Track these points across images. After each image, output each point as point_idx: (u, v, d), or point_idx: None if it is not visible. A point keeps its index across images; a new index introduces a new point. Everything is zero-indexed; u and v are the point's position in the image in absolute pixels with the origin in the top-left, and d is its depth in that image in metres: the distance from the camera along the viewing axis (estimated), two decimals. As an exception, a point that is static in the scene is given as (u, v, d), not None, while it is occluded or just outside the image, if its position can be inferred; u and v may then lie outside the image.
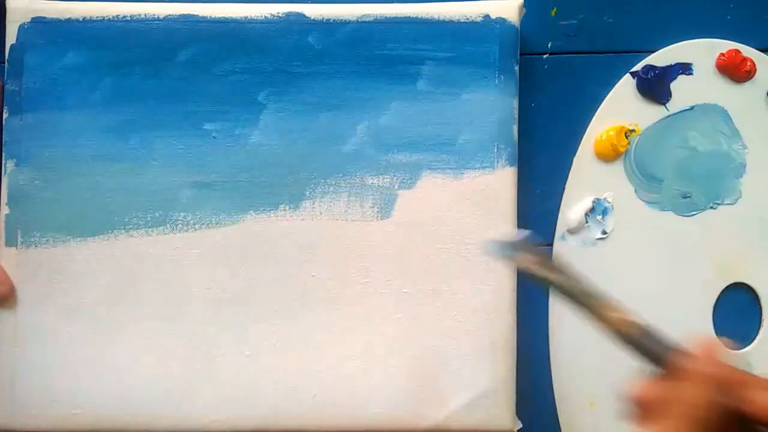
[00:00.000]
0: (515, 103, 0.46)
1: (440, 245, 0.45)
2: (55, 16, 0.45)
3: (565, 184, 0.48)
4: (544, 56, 0.48)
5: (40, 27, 0.45)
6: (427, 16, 0.46)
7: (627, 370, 0.47)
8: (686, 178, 0.47)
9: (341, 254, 0.45)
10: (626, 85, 0.48)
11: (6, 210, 0.45)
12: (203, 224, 0.45)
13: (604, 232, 0.47)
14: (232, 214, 0.45)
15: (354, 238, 0.45)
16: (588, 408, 0.47)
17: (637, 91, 0.48)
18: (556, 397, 0.47)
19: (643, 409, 0.32)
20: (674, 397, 0.31)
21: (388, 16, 0.46)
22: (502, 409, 0.45)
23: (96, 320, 0.45)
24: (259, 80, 0.46)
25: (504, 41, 0.46)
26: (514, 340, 0.45)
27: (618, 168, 0.48)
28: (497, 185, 0.45)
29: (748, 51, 0.48)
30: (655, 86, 0.47)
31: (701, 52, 0.48)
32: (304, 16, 0.46)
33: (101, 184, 0.45)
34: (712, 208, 0.47)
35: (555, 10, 0.48)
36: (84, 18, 0.46)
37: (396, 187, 0.46)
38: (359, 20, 0.46)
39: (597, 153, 0.47)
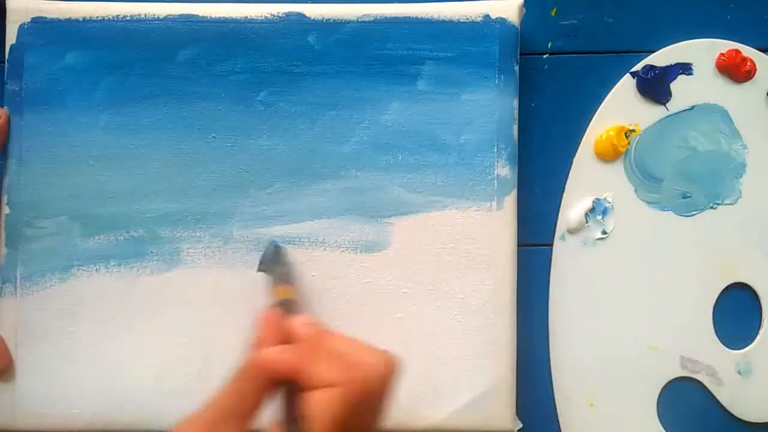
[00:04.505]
0: (515, 103, 0.46)
1: (440, 245, 0.45)
2: (55, 16, 0.45)
3: (565, 184, 0.48)
4: (544, 56, 0.48)
5: (40, 27, 0.45)
6: (427, 16, 0.46)
7: (627, 370, 0.47)
8: (686, 178, 0.47)
9: (341, 254, 0.45)
10: (626, 85, 0.48)
11: (6, 210, 0.45)
12: (203, 223, 0.45)
13: (604, 232, 0.47)
14: (233, 214, 0.45)
15: (354, 237, 0.45)
16: (588, 408, 0.47)
17: (637, 91, 0.48)
18: (556, 397, 0.47)
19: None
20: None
21: (388, 16, 0.46)
22: (502, 409, 0.45)
23: (96, 320, 0.45)
24: (259, 80, 0.46)
25: (504, 41, 0.46)
26: (514, 340, 0.45)
27: (618, 168, 0.48)
28: (497, 185, 0.45)
29: (748, 51, 0.48)
30: (655, 86, 0.47)
31: (701, 52, 0.48)
32: (304, 16, 0.46)
33: (102, 183, 0.45)
34: (712, 208, 0.48)
35: (555, 10, 0.48)
36: (84, 18, 0.46)
37: (396, 187, 0.46)
38: (359, 20, 0.46)
39: (597, 153, 0.48)
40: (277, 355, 0.34)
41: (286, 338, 0.35)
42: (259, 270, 0.43)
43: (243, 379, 0.34)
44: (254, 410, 0.33)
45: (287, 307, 0.37)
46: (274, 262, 0.42)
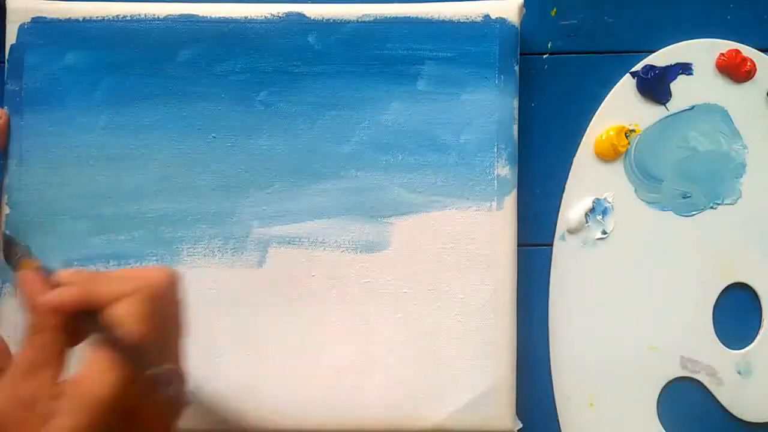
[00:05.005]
0: (515, 103, 0.46)
1: (440, 245, 0.45)
2: (55, 16, 0.45)
3: (565, 184, 0.48)
4: (544, 56, 0.48)
5: (40, 27, 0.45)
6: (427, 16, 0.46)
7: (627, 370, 0.47)
8: (686, 178, 0.47)
9: (341, 254, 0.45)
10: (626, 85, 0.48)
11: (6, 210, 0.45)
12: (203, 223, 0.45)
13: (604, 232, 0.47)
14: (233, 214, 0.45)
15: (354, 237, 0.45)
16: (588, 408, 0.47)
17: (637, 91, 0.48)
18: (556, 397, 0.47)
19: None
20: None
21: (388, 16, 0.46)
22: (502, 409, 0.45)
23: (96, 320, 0.45)
24: (259, 80, 0.46)
25: (504, 41, 0.46)
26: (514, 340, 0.45)
27: (618, 168, 0.48)
28: (497, 185, 0.45)
29: (748, 51, 0.48)
30: (655, 86, 0.47)
31: (701, 52, 0.48)
32: (304, 16, 0.46)
33: (101, 183, 0.45)
34: (712, 208, 0.48)
35: (555, 10, 0.48)
36: (84, 18, 0.46)
37: (396, 187, 0.46)
38: (359, 20, 0.46)
39: (597, 153, 0.48)
40: (61, 293, 0.34)
41: (52, 288, 0.35)
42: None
43: (34, 332, 0.34)
44: (59, 357, 0.34)
45: (45, 270, 0.37)
46: (7, 249, 0.41)
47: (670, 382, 0.47)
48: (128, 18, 0.46)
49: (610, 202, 0.47)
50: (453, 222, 0.45)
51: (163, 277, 0.35)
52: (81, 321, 0.34)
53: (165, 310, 0.35)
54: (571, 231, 0.47)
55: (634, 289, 0.47)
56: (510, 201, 0.45)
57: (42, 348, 0.34)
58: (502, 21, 0.46)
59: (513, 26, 0.46)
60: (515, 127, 0.46)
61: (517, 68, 0.46)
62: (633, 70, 0.48)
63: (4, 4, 0.46)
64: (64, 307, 0.34)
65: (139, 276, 0.35)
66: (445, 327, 0.45)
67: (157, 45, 0.46)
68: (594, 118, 0.48)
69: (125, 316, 0.33)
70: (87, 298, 0.34)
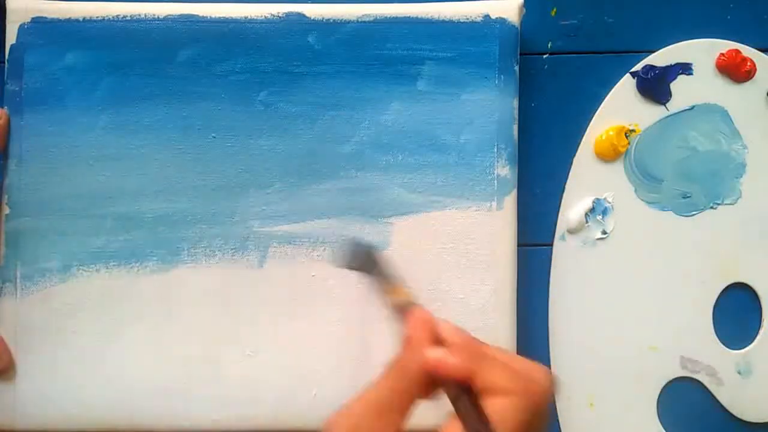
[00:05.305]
0: (515, 103, 0.46)
1: (440, 245, 0.45)
2: (55, 16, 0.45)
3: (565, 184, 0.48)
4: (544, 56, 0.48)
5: (40, 27, 0.45)
6: (427, 16, 0.46)
7: (627, 370, 0.47)
8: (686, 178, 0.47)
9: (341, 254, 0.45)
10: (626, 85, 0.48)
11: (6, 210, 0.45)
12: (203, 223, 0.45)
13: (604, 232, 0.47)
14: (233, 214, 0.45)
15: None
16: (588, 408, 0.47)
17: (637, 91, 0.48)
18: (556, 397, 0.47)
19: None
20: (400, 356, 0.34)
21: (388, 16, 0.46)
22: (502, 409, 0.45)
23: (96, 320, 0.45)
24: (259, 80, 0.46)
25: (504, 41, 0.46)
26: (514, 340, 0.45)
27: (618, 168, 0.48)
28: (497, 185, 0.45)
29: (748, 51, 0.48)
30: (655, 86, 0.47)
31: (701, 52, 0.48)
32: (304, 16, 0.46)
33: (101, 183, 0.45)
34: (712, 208, 0.48)
35: (555, 10, 0.48)
36: (84, 18, 0.46)
37: (396, 187, 0.46)
38: (359, 20, 0.46)
39: (597, 153, 0.48)
40: (445, 358, 0.32)
41: (436, 340, 0.34)
42: (351, 268, 0.40)
43: (400, 376, 0.33)
44: (409, 407, 0.33)
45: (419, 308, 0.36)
46: (370, 260, 0.40)
47: (670, 382, 0.47)
48: (128, 18, 0.46)
49: (610, 202, 0.47)
50: (453, 222, 0.45)
51: (547, 384, 0.33)
52: (447, 385, 0.33)
53: (540, 419, 0.32)
54: (571, 231, 0.47)
55: (634, 289, 0.47)
56: (510, 201, 0.45)
57: (401, 393, 0.33)
58: (502, 21, 0.46)
59: (513, 26, 0.46)
60: (515, 127, 0.46)
61: (517, 68, 0.46)
62: (633, 70, 0.48)
63: (4, 4, 0.46)
64: (443, 375, 0.32)
65: (526, 376, 0.32)
66: (445, 327, 0.45)
67: (157, 45, 0.46)
68: (594, 118, 0.48)
69: (501, 416, 0.31)
70: (469, 377, 0.32)
